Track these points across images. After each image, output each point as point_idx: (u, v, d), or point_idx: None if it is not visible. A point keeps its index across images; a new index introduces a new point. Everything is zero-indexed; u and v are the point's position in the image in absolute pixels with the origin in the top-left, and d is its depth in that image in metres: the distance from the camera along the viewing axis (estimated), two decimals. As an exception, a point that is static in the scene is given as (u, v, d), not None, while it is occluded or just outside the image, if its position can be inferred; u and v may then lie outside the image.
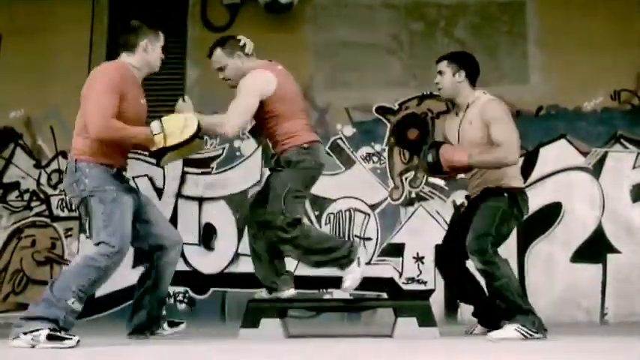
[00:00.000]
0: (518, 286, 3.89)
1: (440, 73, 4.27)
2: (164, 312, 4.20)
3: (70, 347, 3.38)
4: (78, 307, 3.55)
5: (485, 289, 4.10)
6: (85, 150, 3.72)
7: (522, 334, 3.69)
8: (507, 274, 3.86)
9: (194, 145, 3.72)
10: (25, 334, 3.47)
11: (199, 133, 3.67)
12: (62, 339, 3.43)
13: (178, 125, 3.64)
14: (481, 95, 4.17)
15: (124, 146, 3.79)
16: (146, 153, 3.97)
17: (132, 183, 6.74)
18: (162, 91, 7.02)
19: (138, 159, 6.89)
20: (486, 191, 4.06)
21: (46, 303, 3.55)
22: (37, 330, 3.45)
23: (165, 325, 4.11)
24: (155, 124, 3.64)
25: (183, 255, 6.11)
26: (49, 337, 3.42)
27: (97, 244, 3.61)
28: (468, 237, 3.93)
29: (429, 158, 4.06)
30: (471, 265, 4.11)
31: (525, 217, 4.19)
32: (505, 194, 3.99)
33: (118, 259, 3.63)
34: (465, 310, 6.13)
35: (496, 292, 3.87)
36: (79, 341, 3.42)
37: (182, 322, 4.20)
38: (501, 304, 3.87)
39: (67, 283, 3.58)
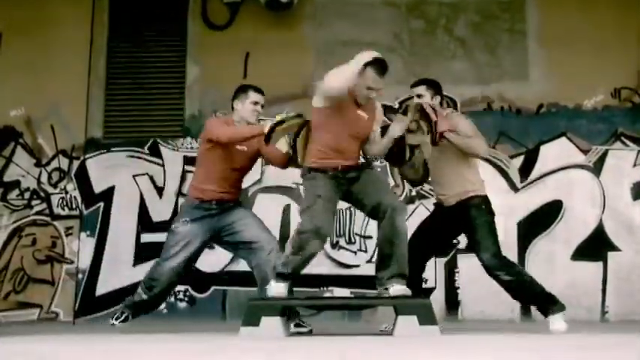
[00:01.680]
0: (538, 283, 4.28)
1: (418, 96, 4.51)
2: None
3: None
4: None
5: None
6: None
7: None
8: (526, 275, 4.32)
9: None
10: None
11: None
12: None
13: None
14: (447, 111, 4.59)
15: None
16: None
17: (135, 182, 6.82)
18: (162, 88, 7.05)
19: (140, 157, 6.91)
20: (462, 204, 4.35)
21: None
22: None
23: (292, 325, 4.42)
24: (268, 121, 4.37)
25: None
26: None
27: None
28: (482, 255, 4.24)
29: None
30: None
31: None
32: (483, 206, 4.34)
33: None
34: (466, 309, 6.14)
35: (530, 286, 4.26)
36: None
37: (308, 327, 4.51)
38: (534, 296, 4.28)
39: None
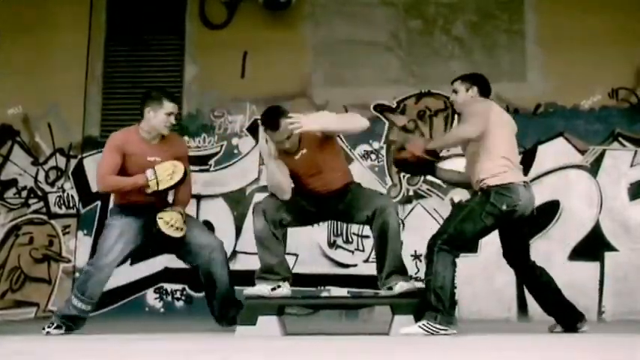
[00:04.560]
0: (440, 285, 3.95)
1: (454, 92, 4.41)
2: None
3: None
4: None
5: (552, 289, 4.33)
6: None
7: (426, 329, 3.85)
8: (435, 271, 3.97)
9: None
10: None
11: (185, 178, 4.39)
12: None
13: (168, 171, 4.32)
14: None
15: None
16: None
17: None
18: (160, 87, 7.03)
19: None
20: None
21: None
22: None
23: None
24: (149, 172, 4.32)
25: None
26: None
27: None
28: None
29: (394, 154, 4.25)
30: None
31: (510, 211, 4.05)
32: (479, 193, 4.11)
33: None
34: (463, 308, 6.14)
35: (424, 286, 4.05)
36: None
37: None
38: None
39: None
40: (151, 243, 4.62)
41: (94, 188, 6.87)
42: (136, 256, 6.63)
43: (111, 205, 4.64)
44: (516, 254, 4.29)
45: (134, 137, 4.48)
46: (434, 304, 3.92)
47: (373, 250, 6.46)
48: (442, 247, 3.99)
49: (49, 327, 4.34)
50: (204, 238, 4.58)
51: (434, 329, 3.86)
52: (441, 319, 3.90)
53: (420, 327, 3.87)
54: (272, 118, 4.21)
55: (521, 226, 4.21)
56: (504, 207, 4.02)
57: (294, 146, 4.27)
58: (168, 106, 4.42)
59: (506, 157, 4.12)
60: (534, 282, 4.35)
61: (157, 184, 4.30)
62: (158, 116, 4.40)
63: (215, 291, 4.54)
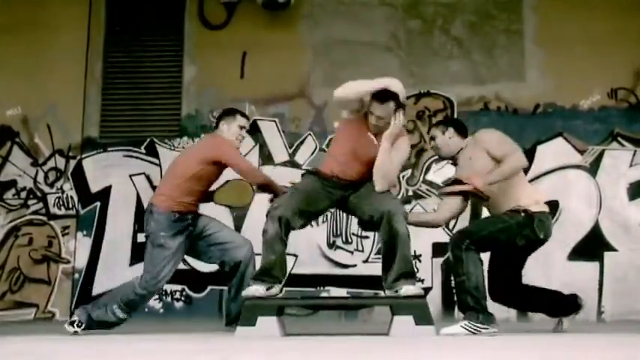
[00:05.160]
0: (475, 286, 4.03)
1: (432, 139, 4.46)
2: None
3: None
4: None
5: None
6: None
7: (468, 329, 3.94)
8: (467, 271, 4.03)
9: None
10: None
11: None
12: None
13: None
14: (470, 138, 4.39)
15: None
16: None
17: (131, 181, 6.81)
18: (159, 87, 7.05)
19: (136, 157, 6.91)
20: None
21: None
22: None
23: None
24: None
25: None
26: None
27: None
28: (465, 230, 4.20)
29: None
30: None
31: (542, 239, 4.16)
32: (522, 213, 4.12)
33: None
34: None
35: (455, 287, 4.15)
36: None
37: None
38: (458, 300, 4.15)
39: None
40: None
41: (94, 189, 6.88)
42: (136, 256, 6.66)
43: (158, 211, 4.50)
44: (508, 282, 4.31)
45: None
46: (472, 305, 4.01)
47: (373, 251, 6.54)
48: (470, 246, 4.06)
49: (78, 326, 4.38)
50: (238, 237, 4.77)
51: (476, 328, 3.94)
52: (482, 319, 3.98)
53: (462, 327, 3.95)
54: (386, 93, 4.22)
55: (529, 252, 4.32)
56: (542, 235, 4.15)
57: (381, 130, 4.24)
58: (241, 120, 4.70)
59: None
60: (526, 301, 4.45)
61: None
62: (231, 129, 4.66)
63: (241, 289, 4.46)
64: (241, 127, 4.68)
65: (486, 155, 4.19)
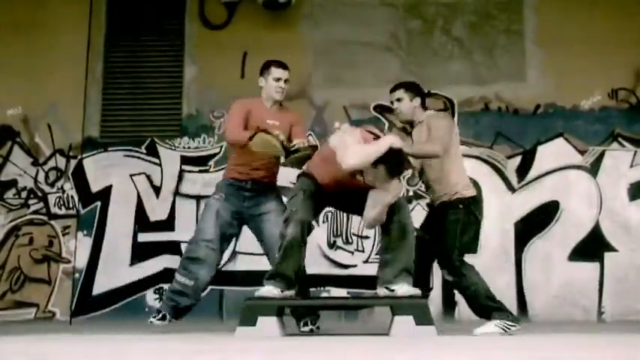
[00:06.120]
0: (486, 289, 4.25)
1: (398, 100, 4.52)
2: None
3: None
4: None
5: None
6: None
7: (502, 328, 4.12)
8: (474, 281, 4.24)
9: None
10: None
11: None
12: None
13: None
14: (428, 113, 4.54)
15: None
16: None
17: (132, 181, 6.81)
18: (160, 87, 7.05)
19: (137, 157, 6.91)
20: (444, 205, 4.36)
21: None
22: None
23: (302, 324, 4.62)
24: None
25: (180, 253, 6.12)
26: None
27: None
28: (436, 251, 4.34)
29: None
30: None
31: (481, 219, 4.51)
32: (460, 205, 4.31)
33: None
34: (463, 309, 6.14)
35: (469, 299, 4.30)
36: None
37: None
38: (477, 308, 4.28)
39: None
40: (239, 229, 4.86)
41: (94, 189, 6.88)
42: (136, 256, 6.67)
43: (223, 179, 4.78)
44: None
45: (257, 103, 4.78)
46: (497, 306, 4.21)
47: (373, 251, 6.53)
48: (459, 259, 4.26)
49: (153, 317, 4.59)
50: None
51: (507, 327, 4.12)
52: (513, 318, 4.19)
53: (496, 326, 4.12)
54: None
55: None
56: (481, 217, 4.51)
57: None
58: (276, 72, 4.68)
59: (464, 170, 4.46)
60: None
61: (296, 152, 4.43)
62: (268, 82, 4.69)
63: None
64: (277, 79, 4.67)
65: (428, 135, 4.34)
